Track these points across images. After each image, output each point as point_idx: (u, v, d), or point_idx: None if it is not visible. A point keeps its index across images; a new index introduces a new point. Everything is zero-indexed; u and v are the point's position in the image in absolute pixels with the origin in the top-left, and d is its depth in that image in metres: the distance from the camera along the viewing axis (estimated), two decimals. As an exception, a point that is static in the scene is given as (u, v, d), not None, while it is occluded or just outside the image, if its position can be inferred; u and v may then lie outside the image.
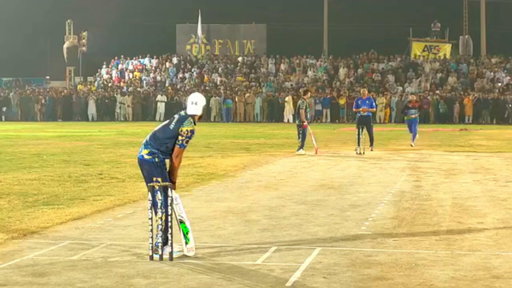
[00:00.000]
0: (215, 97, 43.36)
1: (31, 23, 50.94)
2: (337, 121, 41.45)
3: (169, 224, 7.36)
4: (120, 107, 44.91)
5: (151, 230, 7.33)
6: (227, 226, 9.10)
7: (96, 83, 49.15)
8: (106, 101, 45.33)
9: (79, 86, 48.75)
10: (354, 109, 21.65)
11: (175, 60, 50.23)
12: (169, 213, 7.40)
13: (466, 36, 48.99)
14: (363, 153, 19.67)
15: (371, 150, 20.41)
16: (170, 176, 7.48)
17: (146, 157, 7.49)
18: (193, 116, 7.59)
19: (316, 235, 8.51)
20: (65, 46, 49.99)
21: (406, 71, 45.20)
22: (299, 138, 19.79)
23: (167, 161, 7.57)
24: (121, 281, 6.50)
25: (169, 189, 7.39)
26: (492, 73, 43.90)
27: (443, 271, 6.80)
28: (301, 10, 49.70)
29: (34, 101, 45.76)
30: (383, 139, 25.74)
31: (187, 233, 7.45)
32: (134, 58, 50.75)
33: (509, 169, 16.04)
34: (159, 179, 7.35)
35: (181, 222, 7.46)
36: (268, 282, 6.45)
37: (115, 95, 45.63)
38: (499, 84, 42.61)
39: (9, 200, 11.13)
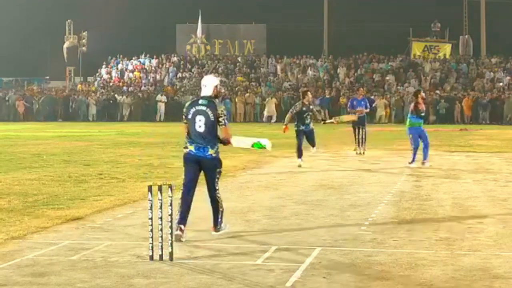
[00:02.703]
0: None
1: (31, 23, 50.90)
2: (337, 121, 41.37)
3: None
4: (120, 107, 44.84)
5: (151, 230, 7.32)
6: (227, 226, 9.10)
7: (96, 83, 49.14)
8: (110, 101, 45.26)
9: (79, 86, 48.74)
10: (349, 109, 20.95)
11: (175, 60, 50.22)
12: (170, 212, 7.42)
13: (466, 36, 48.97)
14: (363, 153, 19.64)
15: (364, 151, 19.96)
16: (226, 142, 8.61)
17: (214, 155, 8.39)
18: (210, 96, 8.44)
19: (316, 235, 8.51)
20: (65, 46, 49.97)
21: (406, 71, 45.19)
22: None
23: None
24: (121, 281, 6.50)
25: (170, 190, 7.41)
26: (492, 73, 43.89)
27: (443, 271, 6.80)
28: (301, 10, 49.65)
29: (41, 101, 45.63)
30: (383, 139, 25.75)
31: (260, 145, 8.90)
32: (134, 58, 50.74)
33: (509, 169, 16.04)
34: (221, 169, 8.54)
35: (254, 144, 8.97)
36: (268, 282, 6.45)
37: (115, 95, 45.58)
38: (500, 84, 42.56)
39: (9, 200, 11.13)
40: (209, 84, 8.52)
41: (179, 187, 8.54)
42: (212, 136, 8.34)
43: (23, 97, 45.42)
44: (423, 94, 17.48)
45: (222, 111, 8.41)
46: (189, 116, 8.36)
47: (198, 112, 8.34)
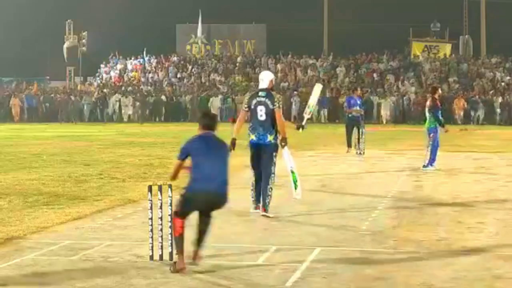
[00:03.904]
0: (215, 96, 43.30)
1: (31, 23, 50.86)
2: (337, 121, 41.33)
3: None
4: (119, 107, 44.68)
5: (151, 230, 7.33)
6: (227, 226, 9.10)
7: (95, 84, 49.11)
8: (106, 101, 45.15)
9: (79, 86, 48.68)
10: (348, 109, 19.89)
11: (175, 60, 50.21)
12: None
13: (466, 36, 48.96)
14: (363, 153, 19.54)
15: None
16: (282, 134, 9.79)
17: (272, 141, 9.76)
18: (267, 88, 9.88)
19: (316, 235, 8.51)
20: (65, 46, 49.88)
21: (406, 71, 45.18)
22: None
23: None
24: (121, 281, 6.50)
25: (169, 189, 7.42)
26: (491, 73, 43.87)
27: (443, 271, 6.80)
28: (301, 10, 49.63)
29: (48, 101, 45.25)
30: (383, 139, 25.75)
31: (296, 181, 9.87)
32: (133, 58, 50.71)
33: (509, 169, 16.03)
34: (276, 153, 9.77)
35: (292, 172, 9.85)
36: (268, 282, 6.45)
37: (112, 96, 45.36)
38: (503, 83, 42.51)
39: (9, 200, 11.12)
40: (266, 78, 10.01)
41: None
42: (271, 124, 9.73)
43: (19, 97, 44.54)
44: (440, 91, 16.82)
45: (278, 98, 9.89)
46: (252, 107, 9.78)
47: (259, 103, 9.75)
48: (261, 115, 9.73)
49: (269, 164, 9.77)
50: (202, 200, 7.01)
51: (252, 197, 10.04)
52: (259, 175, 9.91)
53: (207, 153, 6.97)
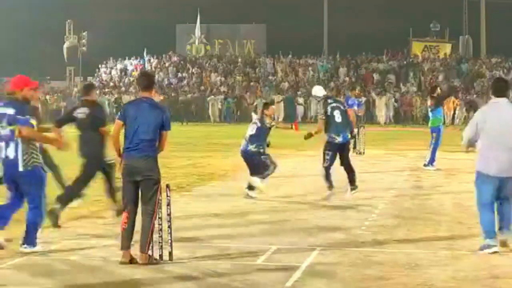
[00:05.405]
0: (215, 96, 43.25)
1: (31, 23, 50.87)
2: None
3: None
4: (119, 107, 44.62)
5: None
6: (227, 226, 9.10)
7: (96, 84, 49.13)
8: (106, 102, 45.12)
9: (80, 86, 48.70)
10: (348, 108, 19.95)
11: (175, 60, 50.21)
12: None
13: (466, 36, 48.99)
14: (363, 152, 19.53)
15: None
16: (351, 129, 12.48)
17: (349, 136, 11.96)
18: (329, 95, 12.43)
19: (316, 235, 8.51)
20: (65, 46, 49.92)
21: (406, 71, 45.18)
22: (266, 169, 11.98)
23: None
24: (121, 281, 6.50)
25: (167, 190, 7.44)
26: (491, 73, 43.84)
27: (443, 271, 6.80)
28: (301, 10, 49.64)
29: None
30: (383, 139, 25.75)
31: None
32: (134, 58, 50.72)
33: (509, 169, 15.99)
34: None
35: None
36: (268, 282, 6.45)
37: (110, 95, 45.32)
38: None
39: (9, 200, 11.10)
40: (322, 89, 12.29)
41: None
42: (347, 123, 11.77)
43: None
44: (439, 90, 16.95)
45: (341, 101, 12.90)
46: (329, 113, 11.49)
47: (334, 108, 11.54)
48: (338, 118, 11.46)
49: (349, 156, 11.87)
50: (128, 169, 7.06)
51: (327, 184, 11.57)
52: (330, 168, 11.66)
53: (131, 119, 7.10)
